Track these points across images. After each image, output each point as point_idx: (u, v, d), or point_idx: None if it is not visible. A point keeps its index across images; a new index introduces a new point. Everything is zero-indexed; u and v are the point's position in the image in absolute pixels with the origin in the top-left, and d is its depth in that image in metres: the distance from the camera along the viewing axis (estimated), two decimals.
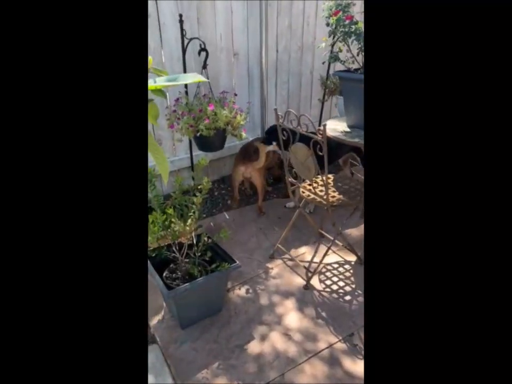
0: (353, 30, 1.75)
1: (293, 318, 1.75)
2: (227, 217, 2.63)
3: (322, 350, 1.58)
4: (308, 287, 1.94)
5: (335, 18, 1.77)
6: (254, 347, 1.60)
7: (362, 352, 1.56)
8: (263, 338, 1.64)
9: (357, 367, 1.50)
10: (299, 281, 1.99)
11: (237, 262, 1.68)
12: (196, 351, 1.58)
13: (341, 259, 2.17)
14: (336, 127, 2.03)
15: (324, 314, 1.77)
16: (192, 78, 0.92)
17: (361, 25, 1.77)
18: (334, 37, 1.88)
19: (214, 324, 1.72)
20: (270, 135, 2.49)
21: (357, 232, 2.42)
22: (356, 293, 1.89)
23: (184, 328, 1.69)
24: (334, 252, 2.22)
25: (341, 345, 1.60)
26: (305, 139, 1.72)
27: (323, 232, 2.31)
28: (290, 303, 1.84)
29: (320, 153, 1.65)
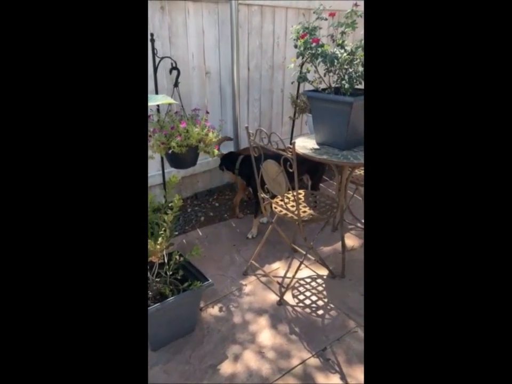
0: (319, 52, 1.83)
1: (266, 335, 1.75)
2: (200, 234, 2.62)
3: (296, 366, 1.58)
4: (281, 302, 1.95)
5: (302, 40, 1.84)
6: (227, 367, 1.57)
7: (335, 367, 1.57)
8: (237, 357, 1.62)
9: (330, 382, 1.50)
10: (272, 297, 2.00)
11: (210, 280, 1.67)
12: (167, 374, 1.54)
13: (314, 273, 2.20)
14: (305, 144, 2.08)
15: (297, 329, 1.78)
16: (162, 99, 0.94)
17: (327, 48, 1.85)
18: (302, 58, 1.95)
19: (186, 344, 1.68)
20: (225, 160, 2.68)
21: (328, 246, 2.46)
22: (328, 307, 1.92)
23: (155, 350, 1.64)
24: (306, 267, 2.25)
25: (314, 361, 1.60)
26: (276, 156, 1.76)
27: (296, 246, 2.34)
28: (263, 320, 1.84)
29: (290, 170, 1.69)
